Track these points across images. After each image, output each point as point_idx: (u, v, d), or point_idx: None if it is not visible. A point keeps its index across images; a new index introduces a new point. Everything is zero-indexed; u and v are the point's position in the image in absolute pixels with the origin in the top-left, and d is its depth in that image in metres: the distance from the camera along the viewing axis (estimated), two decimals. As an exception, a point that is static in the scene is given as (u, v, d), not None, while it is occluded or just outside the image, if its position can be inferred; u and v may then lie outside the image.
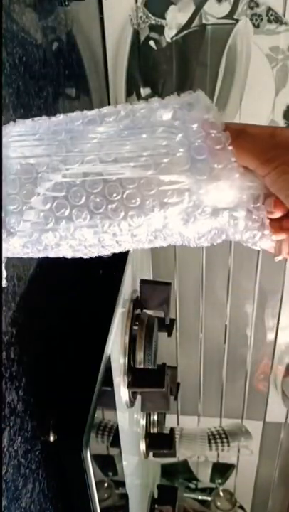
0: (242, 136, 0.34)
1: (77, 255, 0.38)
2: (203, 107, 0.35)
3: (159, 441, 1.03)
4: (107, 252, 0.38)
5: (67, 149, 0.35)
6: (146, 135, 0.34)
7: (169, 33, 0.90)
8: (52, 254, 0.37)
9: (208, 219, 0.35)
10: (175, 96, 0.36)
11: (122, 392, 0.75)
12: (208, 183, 0.34)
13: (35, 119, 0.37)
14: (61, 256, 0.38)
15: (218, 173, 0.34)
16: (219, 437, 1.55)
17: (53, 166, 0.34)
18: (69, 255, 0.38)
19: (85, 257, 0.38)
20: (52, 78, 0.63)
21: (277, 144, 0.33)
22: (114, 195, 0.34)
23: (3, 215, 0.34)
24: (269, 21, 0.87)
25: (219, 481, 1.67)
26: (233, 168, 0.34)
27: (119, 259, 0.77)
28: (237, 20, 0.88)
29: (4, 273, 0.37)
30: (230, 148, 0.34)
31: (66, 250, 0.37)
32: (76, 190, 0.34)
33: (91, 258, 0.39)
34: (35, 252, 0.37)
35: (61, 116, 0.37)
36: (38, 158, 0.35)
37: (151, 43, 0.91)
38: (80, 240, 0.36)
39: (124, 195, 0.34)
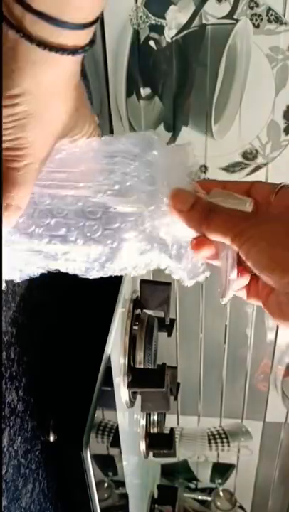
0: (215, 211, 0.35)
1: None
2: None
3: (159, 441, 1.03)
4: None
5: (67, 175, 0.35)
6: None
7: (169, 33, 0.90)
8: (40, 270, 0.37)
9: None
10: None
11: (122, 392, 0.75)
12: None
13: None
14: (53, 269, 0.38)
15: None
16: (219, 437, 1.55)
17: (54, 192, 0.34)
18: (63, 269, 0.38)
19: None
20: (52, 78, 0.63)
21: (246, 217, 0.35)
22: (112, 223, 0.34)
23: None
24: (269, 21, 0.87)
25: (219, 481, 1.67)
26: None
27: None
28: (237, 20, 0.88)
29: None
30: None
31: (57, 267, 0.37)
32: (73, 214, 0.34)
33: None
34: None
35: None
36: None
37: (151, 43, 0.91)
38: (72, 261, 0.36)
39: (122, 225, 0.34)
